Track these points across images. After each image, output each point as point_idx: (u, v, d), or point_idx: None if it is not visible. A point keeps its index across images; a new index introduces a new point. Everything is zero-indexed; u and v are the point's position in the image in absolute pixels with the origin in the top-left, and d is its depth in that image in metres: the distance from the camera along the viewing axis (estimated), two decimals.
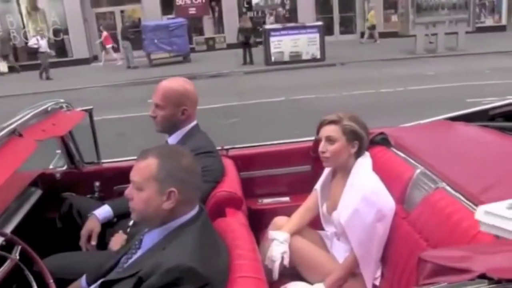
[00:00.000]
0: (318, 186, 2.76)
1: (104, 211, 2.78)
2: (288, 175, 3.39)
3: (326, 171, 2.78)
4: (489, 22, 20.94)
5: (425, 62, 15.18)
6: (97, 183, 3.22)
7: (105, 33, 20.44)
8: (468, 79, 11.02)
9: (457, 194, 2.31)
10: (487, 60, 14.69)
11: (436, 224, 2.26)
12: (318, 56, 16.78)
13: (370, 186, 2.51)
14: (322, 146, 2.56)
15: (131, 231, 2.54)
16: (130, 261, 1.96)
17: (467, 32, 17.06)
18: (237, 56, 17.39)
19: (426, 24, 16.76)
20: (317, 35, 16.77)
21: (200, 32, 23.34)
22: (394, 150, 3.04)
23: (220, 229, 2.11)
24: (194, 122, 2.77)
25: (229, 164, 2.95)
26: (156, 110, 2.65)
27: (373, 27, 21.60)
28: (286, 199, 3.39)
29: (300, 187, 3.30)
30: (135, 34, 19.10)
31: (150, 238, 1.93)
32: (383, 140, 3.17)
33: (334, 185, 2.70)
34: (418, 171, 2.66)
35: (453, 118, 3.51)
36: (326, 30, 18.58)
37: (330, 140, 2.56)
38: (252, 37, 17.19)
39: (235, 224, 2.23)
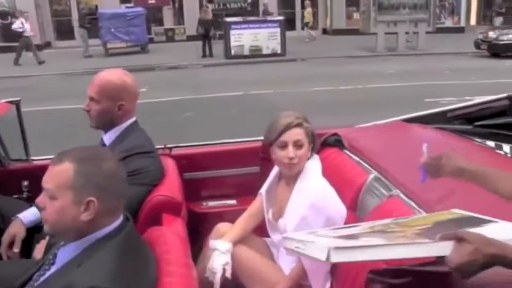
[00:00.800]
0: (263, 190, 2.55)
1: (30, 214, 2.49)
2: (235, 177, 3.17)
3: (272, 174, 2.56)
4: (448, 23, 21.24)
5: (386, 60, 15.23)
6: (25, 183, 2.91)
7: None
8: (427, 78, 11.05)
9: (412, 203, 2.17)
10: (446, 60, 14.84)
11: None
12: (279, 51, 16.63)
13: (319, 192, 2.33)
14: (291, 152, 2.32)
15: (49, 241, 2.28)
16: (42, 278, 1.71)
17: (427, 32, 17.24)
18: (197, 49, 17.05)
19: (387, 23, 16.84)
20: (278, 30, 16.61)
21: (160, 22, 22.86)
22: (348, 152, 2.88)
23: (151, 240, 1.90)
24: (133, 119, 2.54)
25: (170, 165, 2.72)
26: (91, 104, 2.41)
27: (307, 25, 21.53)
28: (233, 202, 3.18)
29: (248, 189, 3.09)
30: (92, 22, 18.50)
31: (65, 253, 1.68)
32: (336, 142, 3.00)
33: (280, 190, 2.50)
34: (371, 176, 2.51)
35: (410, 119, 3.37)
36: (288, 25, 18.43)
37: (298, 144, 2.34)
38: (212, 30, 16.89)
39: (169, 234, 2.00)
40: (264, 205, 2.52)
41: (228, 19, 17.16)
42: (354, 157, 2.79)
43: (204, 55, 16.73)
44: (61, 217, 1.60)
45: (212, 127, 7.47)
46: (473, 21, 25.12)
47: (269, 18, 17.53)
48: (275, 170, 2.56)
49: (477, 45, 16.37)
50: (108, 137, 2.47)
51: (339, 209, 2.32)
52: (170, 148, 3.06)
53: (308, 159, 2.42)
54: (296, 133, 2.35)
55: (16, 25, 17.27)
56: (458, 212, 1.65)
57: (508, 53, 15.27)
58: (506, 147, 3.24)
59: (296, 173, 2.38)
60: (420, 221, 1.68)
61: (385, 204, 2.27)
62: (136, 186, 2.24)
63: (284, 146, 2.33)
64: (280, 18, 17.52)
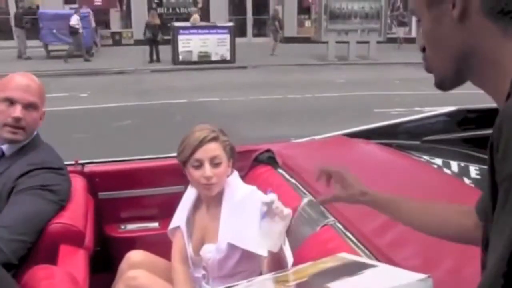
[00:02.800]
0: (181, 222, 2.19)
1: None
2: (158, 197, 2.82)
3: (188, 200, 2.21)
4: (399, 33, 21.46)
5: (336, 69, 15.14)
6: None
7: None
8: (377, 88, 10.96)
9: (348, 234, 1.89)
10: (396, 70, 14.88)
11: None
12: (228, 58, 16.29)
13: (255, 194, 2.04)
14: (208, 171, 1.97)
15: None
16: None
17: (378, 42, 17.28)
18: (144, 53, 16.47)
19: (339, 31, 16.78)
20: (227, 36, 16.26)
21: (106, 25, 22.11)
22: (281, 171, 2.58)
23: (33, 283, 1.54)
24: (35, 132, 2.18)
25: (79, 184, 2.37)
26: (25, 112, 2.04)
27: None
28: (155, 224, 2.82)
29: (172, 211, 2.72)
30: (31, 21, 17.58)
31: None
32: (269, 159, 2.70)
33: (200, 216, 2.16)
34: (305, 200, 2.21)
35: (352, 134, 3.11)
36: (239, 32, 18.14)
37: (215, 162, 2.00)
38: (160, 34, 16.39)
39: (59, 276, 1.65)
40: (185, 238, 2.17)
41: (177, 24, 16.65)
42: (288, 177, 2.50)
43: (151, 60, 16.20)
44: None
45: (151, 135, 7.08)
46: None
47: (218, 24, 17.17)
48: (190, 195, 2.21)
49: None
50: (9, 149, 2.10)
51: None
52: (82, 165, 2.69)
53: (228, 176, 2.09)
54: (212, 149, 2.00)
55: (74, 21, 16.27)
56: (343, 256, 1.43)
57: None
58: (453, 165, 3.04)
59: (216, 194, 2.05)
60: (299, 273, 1.48)
61: (318, 235, 1.99)
62: (44, 201, 1.94)
63: (199, 165, 1.99)
64: (230, 24, 17.19)
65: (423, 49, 0.96)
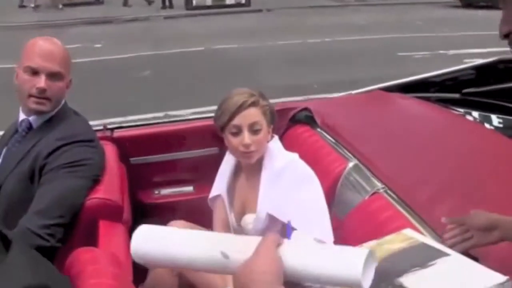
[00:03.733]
0: (222, 191, 2.09)
1: None
2: (191, 160, 2.72)
3: (227, 168, 2.10)
4: None
5: (356, 11, 14.69)
6: None
7: None
8: (399, 30, 10.60)
9: (401, 203, 1.78)
10: (418, 10, 14.41)
11: (366, 237, 1.72)
12: (243, 1, 15.88)
13: (294, 163, 1.94)
14: (246, 138, 1.85)
15: None
16: None
17: None
18: None
19: None
20: None
21: None
22: (321, 132, 2.46)
23: (79, 265, 1.47)
24: (63, 100, 2.07)
25: (110, 151, 2.28)
26: (49, 82, 1.93)
27: None
28: (189, 188, 2.75)
29: (206, 174, 2.64)
30: None
31: None
32: (307, 118, 2.57)
33: (240, 185, 2.06)
34: (350, 165, 2.11)
35: (389, 87, 2.96)
36: None
37: (254, 129, 1.87)
38: None
39: (103, 259, 1.57)
40: (227, 208, 2.07)
41: None
42: (329, 138, 2.38)
43: (163, 6, 15.80)
44: None
45: (171, 88, 6.93)
46: None
47: None
48: (228, 162, 2.10)
49: None
50: (37, 120, 2.01)
51: (316, 180, 1.93)
52: (112, 130, 2.59)
53: (268, 141, 1.97)
54: (252, 115, 1.87)
55: None
56: (410, 236, 1.30)
57: (480, 3, 14.94)
58: (494, 119, 2.89)
59: (256, 161, 1.94)
60: None
61: (367, 203, 1.89)
62: (77, 179, 1.86)
63: (237, 131, 1.87)
64: None
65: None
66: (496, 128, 2.78)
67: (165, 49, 9.80)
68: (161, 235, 1.01)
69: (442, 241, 1.35)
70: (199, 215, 2.35)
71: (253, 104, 1.88)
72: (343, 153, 2.20)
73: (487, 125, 2.79)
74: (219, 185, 2.11)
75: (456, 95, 3.03)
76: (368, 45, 9.37)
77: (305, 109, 2.59)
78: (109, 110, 5.60)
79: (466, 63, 7.52)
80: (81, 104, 2.23)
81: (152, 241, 1.00)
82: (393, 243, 1.36)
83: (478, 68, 3.15)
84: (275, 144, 1.99)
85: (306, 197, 1.85)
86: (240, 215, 2.04)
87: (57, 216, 1.75)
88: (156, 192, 2.70)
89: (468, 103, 2.96)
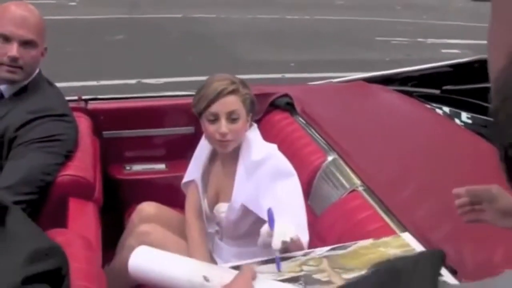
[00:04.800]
0: (196, 176, 2.04)
1: None
2: (166, 137, 2.68)
3: (202, 153, 2.05)
4: None
5: None
6: None
7: None
8: (378, 14, 10.54)
9: (379, 203, 1.77)
10: None
11: (342, 236, 1.74)
12: None
13: (273, 156, 1.88)
14: (223, 126, 1.79)
15: None
16: None
17: None
18: None
19: None
20: None
21: None
22: (300, 120, 2.43)
23: None
24: (37, 69, 1.98)
25: (84, 124, 2.21)
26: (22, 50, 1.84)
27: None
28: (162, 166, 2.69)
29: (180, 153, 2.64)
30: None
31: None
32: (287, 105, 2.53)
33: (215, 172, 2.02)
34: (329, 158, 2.08)
35: (371, 79, 2.94)
36: None
37: (232, 117, 1.81)
38: None
39: (75, 240, 1.52)
40: (201, 194, 2.03)
41: None
42: (309, 127, 2.34)
43: None
44: None
45: (145, 53, 6.77)
46: None
47: None
48: (204, 147, 2.05)
49: None
50: (8, 89, 1.92)
51: (295, 176, 1.87)
52: (86, 101, 2.51)
53: (246, 130, 1.92)
54: (230, 103, 1.81)
55: None
56: (406, 242, 1.30)
57: None
58: (463, 115, 2.92)
59: (233, 150, 1.90)
60: (359, 256, 1.41)
61: (344, 201, 1.87)
62: (49, 155, 1.80)
63: (214, 119, 1.82)
64: None
65: None
66: (465, 123, 2.81)
67: (141, 13, 9.56)
68: (155, 259, 1.14)
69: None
70: (170, 194, 2.32)
71: (233, 92, 1.82)
72: (322, 146, 2.17)
73: (456, 120, 2.82)
74: (194, 170, 2.06)
75: (436, 91, 3.04)
76: (346, 26, 9.31)
77: (286, 95, 2.55)
78: (79, 74, 5.45)
79: (443, 53, 7.64)
80: (49, 66, 2.15)
81: (147, 262, 1.12)
82: (389, 246, 1.35)
83: (459, 66, 3.16)
84: (253, 133, 1.94)
85: (283, 191, 1.82)
86: (213, 202, 2.00)
87: (27, 193, 1.69)
88: (128, 168, 2.64)
89: (447, 100, 2.98)
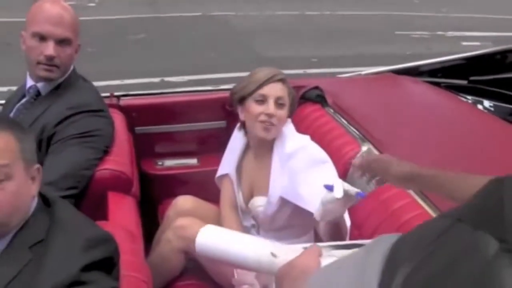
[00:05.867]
0: (231, 170, 2.06)
1: None
2: (197, 132, 2.71)
3: (236, 147, 2.07)
4: None
5: None
6: None
7: None
8: (396, 8, 10.44)
9: (417, 192, 1.77)
10: None
11: (380, 225, 1.75)
12: None
13: (306, 146, 1.91)
14: (272, 107, 1.84)
15: None
16: None
17: None
18: None
19: None
20: None
21: None
22: (332, 112, 2.43)
23: None
24: (72, 66, 2.01)
25: (118, 120, 2.25)
26: (59, 48, 1.87)
27: None
28: (194, 161, 2.72)
29: (211, 147, 2.67)
30: None
31: None
32: (318, 97, 2.54)
33: (248, 166, 2.04)
34: (364, 149, 2.07)
35: (399, 70, 2.93)
36: None
37: (279, 103, 1.87)
38: None
39: (117, 235, 1.55)
40: (235, 186, 2.05)
41: None
42: (341, 119, 2.35)
43: None
44: (18, 198, 1.21)
45: (167, 51, 6.80)
46: None
47: None
48: (237, 140, 2.07)
49: None
50: (45, 87, 1.96)
51: (330, 162, 1.89)
52: (118, 97, 2.55)
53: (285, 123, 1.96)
54: (280, 88, 1.88)
55: None
56: None
57: None
58: (485, 103, 2.90)
59: (271, 139, 1.92)
60: None
61: (380, 191, 1.86)
62: (88, 150, 1.82)
63: (263, 100, 1.85)
64: None
65: None
66: (488, 111, 2.80)
67: (161, 12, 9.60)
68: (221, 236, 1.14)
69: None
70: (203, 189, 2.34)
71: (283, 80, 1.90)
72: (356, 136, 2.18)
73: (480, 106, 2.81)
74: (227, 164, 2.09)
75: (464, 82, 3.02)
76: (365, 21, 9.25)
77: (316, 87, 2.56)
78: (103, 74, 5.50)
79: (464, 45, 7.57)
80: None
81: (213, 239, 1.12)
82: None
83: (485, 56, 3.13)
84: (288, 127, 1.97)
85: (320, 177, 1.83)
86: (248, 196, 2.02)
87: (69, 188, 1.72)
88: (160, 163, 2.67)
89: (475, 91, 2.96)
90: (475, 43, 7.35)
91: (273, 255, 0.98)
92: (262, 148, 1.96)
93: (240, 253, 1.06)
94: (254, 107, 1.86)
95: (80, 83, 2.02)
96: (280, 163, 1.91)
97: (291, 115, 1.97)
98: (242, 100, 1.91)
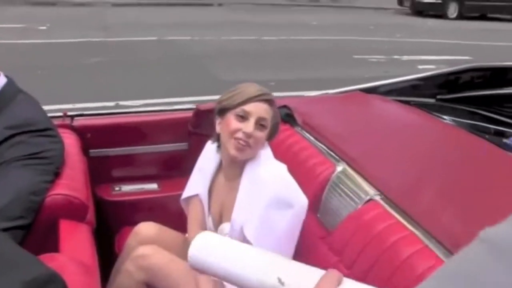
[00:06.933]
0: (202, 190, 1.89)
1: None
2: (157, 154, 2.53)
3: (209, 165, 1.90)
4: None
5: (308, 11, 14.72)
6: None
7: None
8: (352, 33, 10.64)
9: (400, 212, 1.64)
10: (370, 15, 14.65)
11: (363, 249, 1.60)
12: None
13: (279, 179, 1.74)
14: (251, 126, 1.69)
15: None
16: None
17: None
18: None
19: None
20: None
21: None
22: (302, 131, 2.30)
23: None
24: (3, 79, 1.78)
25: (70, 141, 2.04)
26: None
27: None
28: (154, 186, 2.54)
29: (173, 171, 2.51)
30: None
31: None
32: (286, 117, 2.40)
33: (219, 186, 1.87)
34: (339, 168, 1.95)
35: (366, 89, 2.84)
36: None
37: (261, 124, 1.72)
38: None
39: (69, 266, 1.36)
40: (205, 209, 1.88)
41: None
42: (312, 138, 2.22)
43: None
44: None
45: (124, 76, 6.60)
46: None
47: None
48: (210, 158, 1.90)
49: (401, 1, 16.64)
50: None
51: (300, 197, 1.75)
52: (72, 117, 2.35)
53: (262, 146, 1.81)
54: (264, 109, 1.73)
55: None
56: None
57: (430, 12, 15.42)
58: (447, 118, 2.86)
59: (242, 160, 1.76)
60: None
61: (361, 212, 1.74)
62: (37, 173, 1.61)
63: (244, 117, 1.70)
64: None
65: None
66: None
67: (115, 36, 9.42)
68: (219, 246, 0.96)
69: None
70: (164, 216, 2.17)
71: (271, 102, 1.76)
72: (329, 156, 2.05)
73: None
74: (197, 184, 1.91)
75: (431, 100, 2.97)
76: (323, 45, 9.33)
77: (284, 106, 2.42)
78: (54, 97, 5.25)
79: (420, 69, 7.68)
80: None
81: (209, 250, 0.95)
82: None
83: (450, 74, 3.09)
84: (265, 151, 1.82)
85: (274, 221, 1.68)
86: (217, 220, 1.86)
87: (17, 217, 1.50)
88: (117, 188, 2.48)
89: (442, 109, 2.91)
90: (430, 66, 7.47)
91: (281, 282, 0.80)
92: (233, 168, 1.80)
93: (241, 273, 0.87)
94: (233, 122, 1.71)
95: (19, 98, 1.80)
96: (248, 187, 1.75)
97: (270, 139, 1.82)
98: (223, 111, 1.76)
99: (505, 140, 2.46)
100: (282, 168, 1.78)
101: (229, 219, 1.79)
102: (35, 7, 12.71)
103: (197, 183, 1.90)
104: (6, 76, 1.79)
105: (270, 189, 1.69)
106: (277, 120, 1.81)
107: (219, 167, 1.87)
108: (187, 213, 1.95)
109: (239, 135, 1.68)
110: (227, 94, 1.77)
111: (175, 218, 2.04)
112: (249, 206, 1.71)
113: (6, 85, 1.75)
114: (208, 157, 1.90)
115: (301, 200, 1.74)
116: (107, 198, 2.40)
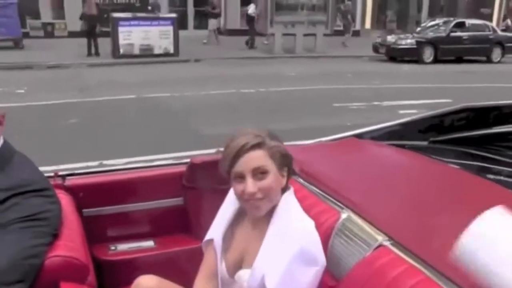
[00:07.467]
0: (216, 234, 1.82)
1: None
2: (152, 211, 2.47)
3: (229, 209, 1.84)
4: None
5: (285, 63, 14.93)
6: None
7: None
8: (331, 82, 10.81)
9: (412, 256, 1.60)
10: (346, 63, 14.91)
11: None
12: (172, 51, 15.71)
13: (307, 234, 1.67)
14: (250, 186, 1.62)
15: None
16: None
17: (324, 35, 17.24)
18: (80, 46, 15.62)
19: (285, 24, 16.59)
20: (170, 28, 15.66)
21: (36, 15, 20.81)
22: (300, 180, 2.26)
23: None
24: (1, 140, 1.76)
25: (65, 202, 1.97)
26: None
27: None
28: (150, 243, 2.47)
29: (169, 227, 2.46)
30: None
31: None
32: None
33: (241, 232, 1.80)
34: (343, 216, 1.91)
35: (360, 135, 2.84)
36: (180, 24, 17.59)
37: (259, 172, 1.64)
38: (98, 26, 15.62)
39: None
40: (218, 254, 1.80)
41: (116, 15, 15.74)
42: (312, 187, 2.18)
43: (89, 54, 15.36)
44: None
45: (105, 135, 6.55)
46: (367, 24, 26.11)
47: (160, 15, 16.63)
48: (232, 204, 1.85)
49: (376, 48, 17.02)
50: None
51: (324, 259, 1.69)
52: (63, 177, 2.28)
53: (284, 190, 1.75)
54: (254, 158, 1.64)
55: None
56: None
57: (404, 58, 15.81)
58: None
59: (263, 214, 1.70)
60: None
61: (372, 259, 1.69)
62: (36, 235, 1.57)
63: (240, 177, 1.65)
64: (173, 15, 16.56)
65: None
66: None
67: (93, 96, 9.40)
68: None
69: None
70: (162, 274, 2.07)
71: (257, 146, 1.65)
72: (332, 204, 2.01)
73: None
74: (215, 229, 1.84)
75: (425, 143, 2.97)
76: (303, 95, 9.44)
77: None
78: (39, 160, 5.16)
79: (401, 114, 7.79)
80: None
81: None
82: None
83: (441, 116, 3.12)
84: (291, 196, 1.77)
85: (296, 276, 1.61)
86: (236, 267, 1.78)
87: (16, 281, 1.43)
88: (113, 248, 2.40)
89: (436, 151, 2.91)
90: (412, 111, 7.59)
91: None
92: (258, 217, 1.74)
93: None
94: (235, 187, 1.67)
95: (16, 158, 1.75)
96: (275, 237, 1.68)
97: (289, 175, 1.76)
98: (227, 176, 1.71)
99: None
100: (311, 224, 1.73)
101: (249, 266, 1.72)
102: (12, 71, 12.70)
103: (215, 227, 1.85)
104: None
105: (297, 243, 1.63)
106: (281, 150, 1.72)
107: (242, 213, 1.82)
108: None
109: (246, 197, 1.64)
110: (222, 155, 1.72)
111: (174, 275, 1.96)
112: (273, 256, 1.64)
113: (3, 147, 1.71)
114: (229, 202, 1.85)
115: (324, 260, 1.68)
116: (103, 258, 2.32)
